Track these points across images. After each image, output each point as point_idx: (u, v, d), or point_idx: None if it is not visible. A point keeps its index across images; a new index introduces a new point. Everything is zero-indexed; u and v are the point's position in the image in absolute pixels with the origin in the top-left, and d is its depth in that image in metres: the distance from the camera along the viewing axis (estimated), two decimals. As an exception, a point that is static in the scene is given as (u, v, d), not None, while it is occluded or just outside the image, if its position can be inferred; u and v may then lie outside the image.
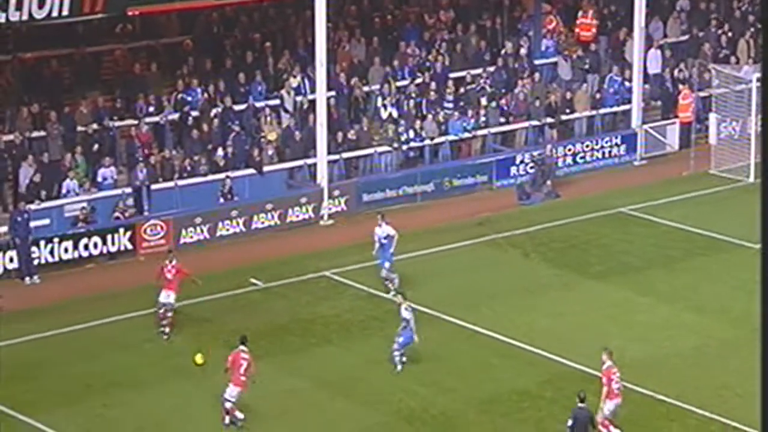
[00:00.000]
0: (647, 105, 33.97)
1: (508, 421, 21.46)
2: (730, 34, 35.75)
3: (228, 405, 21.08)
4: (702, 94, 33.75)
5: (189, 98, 30.76)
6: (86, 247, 27.63)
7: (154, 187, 29.22)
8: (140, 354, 23.75)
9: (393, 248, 25.53)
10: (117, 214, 28.58)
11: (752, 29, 36.00)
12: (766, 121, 7.25)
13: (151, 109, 30.45)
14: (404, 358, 22.73)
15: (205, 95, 30.88)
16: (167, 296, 23.95)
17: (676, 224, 29.12)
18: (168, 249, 24.20)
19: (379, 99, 32.01)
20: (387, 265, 25.48)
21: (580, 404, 19.95)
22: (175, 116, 30.55)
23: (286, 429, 21.50)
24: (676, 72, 34.61)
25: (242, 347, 21.31)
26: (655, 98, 34.44)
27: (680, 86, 33.97)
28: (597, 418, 20.21)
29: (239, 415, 21.13)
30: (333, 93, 31.27)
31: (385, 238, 25.56)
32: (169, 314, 23.95)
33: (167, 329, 23.88)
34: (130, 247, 28.05)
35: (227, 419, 21.13)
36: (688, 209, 29.75)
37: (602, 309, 25.34)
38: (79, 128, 29.50)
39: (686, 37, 35.77)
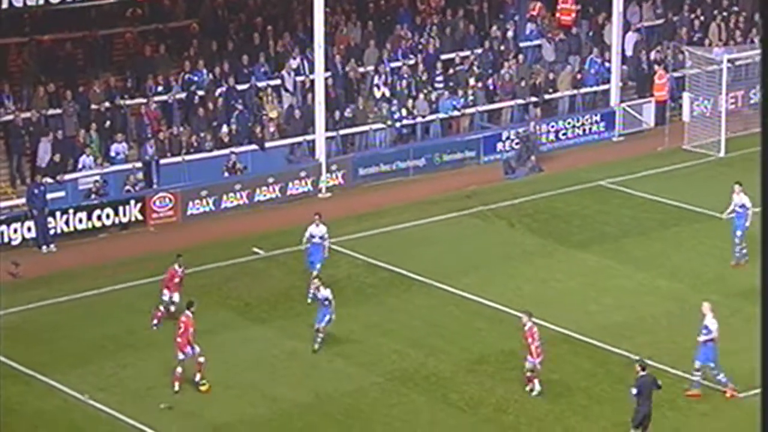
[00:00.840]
0: (625, 85, 33.69)
1: (494, 380, 21.29)
2: (702, 18, 35.46)
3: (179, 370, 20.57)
4: (676, 74, 33.48)
5: (195, 78, 30.50)
6: (99, 218, 27.42)
7: (162, 161, 28.99)
8: (149, 318, 23.50)
9: (327, 251, 23.68)
10: (128, 187, 28.34)
11: (723, 13, 35.68)
12: (765, 120, 6.91)
13: (160, 88, 30.20)
14: (321, 336, 21.73)
15: (211, 76, 30.57)
16: (170, 295, 22.51)
17: (652, 196, 28.91)
18: (177, 254, 22.55)
19: (377, 78, 31.69)
20: (318, 266, 23.46)
21: (642, 372, 19.15)
22: (182, 95, 30.26)
23: (288, 389, 21.33)
24: (653, 53, 34.29)
25: (186, 311, 20.87)
26: (632, 78, 34.15)
27: (656, 67, 33.67)
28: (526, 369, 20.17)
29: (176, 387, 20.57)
30: (330, 74, 30.97)
31: (320, 237, 23.69)
32: (172, 308, 22.38)
33: (155, 321, 22.39)
34: (140, 217, 27.84)
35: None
36: (662, 182, 29.54)
37: (582, 276, 25.14)
38: (93, 106, 29.30)
39: (661, 21, 35.43)
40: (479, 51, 33.34)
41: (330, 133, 30.37)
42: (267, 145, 30.18)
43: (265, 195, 29.21)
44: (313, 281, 22.58)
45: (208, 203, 28.57)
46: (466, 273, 25.20)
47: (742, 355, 21.95)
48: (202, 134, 29.73)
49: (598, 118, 33.04)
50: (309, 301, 23.37)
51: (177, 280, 22.84)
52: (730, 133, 31.56)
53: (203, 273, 25.44)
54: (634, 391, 19.14)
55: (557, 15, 34.61)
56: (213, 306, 23.84)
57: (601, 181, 30.01)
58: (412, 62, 32.55)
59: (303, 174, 29.72)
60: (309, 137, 30.36)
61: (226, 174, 29.35)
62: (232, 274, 25.48)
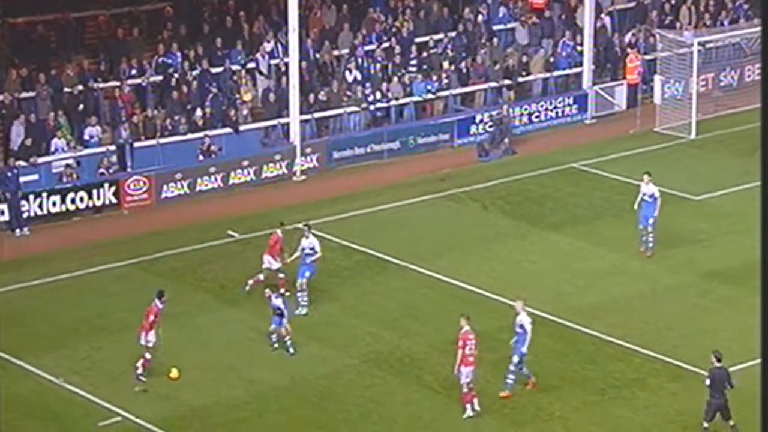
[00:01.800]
0: (597, 68, 33.63)
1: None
2: (673, 1, 35.41)
3: (145, 355, 20.30)
4: (647, 57, 33.44)
5: (169, 61, 30.16)
6: (73, 201, 27.11)
7: (136, 144, 28.71)
8: (123, 301, 23.33)
9: (316, 264, 22.64)
10: (102, 170, 28.04)
11: (694, -3, 35.71)
12: (765, 121, 6.76)
13: (134, 71, 29.85)
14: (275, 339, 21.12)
15: (185, 59, 30.27)
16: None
17: (624, 178, 28.90)
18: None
19: (353, 63, 31.49)
20: (307, 275, 22.51)
21: (717, 363, 18.67)
22: (157, 78, 29.93)
23: (264, 371, 21.19)
24: (626, 37, 34.22)
25: (158, 300, 20.44)
26: (605, 61, 34.08)
27: (628, 50, 33.62)
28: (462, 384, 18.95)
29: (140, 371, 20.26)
30: (305, 57, 30.73)
31: (311, 249, 22.65)
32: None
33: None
34: (114, 201, 27.58)
35: (139, 368, 20.32)
36: (634, 164, 29.52)
37: (555, 257, 25.11)
38: (66, 89, 28.89)
39: (633, 4, 35.37)
40: (453, 34, 33.17)
41: (304, 117, 30.17)
42: (241, 128, 29.93)
43: (239, 178, 29.00)
44: (266, 290, 21.47)
45: (182, 186, 28.33)
46: (440, 255, 25.11)
47: (712, 334, 22.01)
48: (176, 117, 29.45)
49: (570, 101, 32.99)
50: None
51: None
52: (700, 116, 31.61)
53: (178, 256, 25.23)
54: (708, 381, 18.62)
55: (529, -1, 34.53)
56: (188, 289, 23.65)
57: (574, 163, 29.99)
58: (386, 45, 32.35)
59: (278, 157, 29.53)
60: (283, 120, 30.16)
61: (201, 157, 29.09)
62: (207, 256, 25.28)
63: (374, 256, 25.21)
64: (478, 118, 31.78)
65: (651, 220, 24.40)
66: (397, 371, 20.94)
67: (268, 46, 31.20)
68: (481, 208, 27.63)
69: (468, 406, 19.41)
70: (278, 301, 21.40)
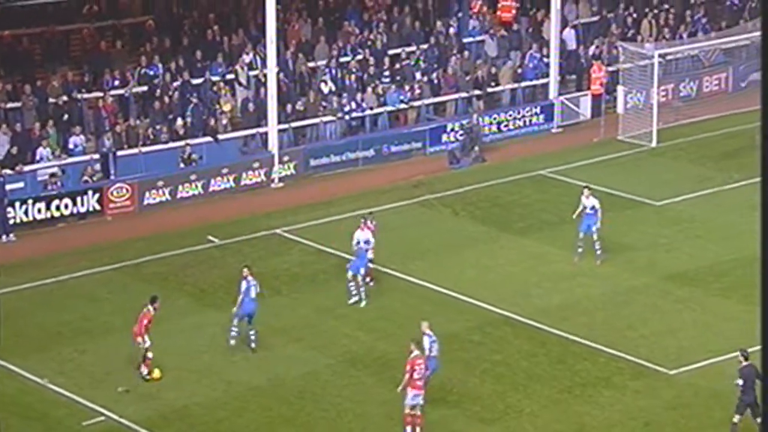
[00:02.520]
0: (563, 78, 33.80)
1: (440, 361, 21.25)
2: (634, 15, 35.66)
3: (146, 356, 20.39)
4: (610, 68, 33.65)
5: (151, 73, 30.10)
6: (58, 208, 26.98)
7: (119, 153, 28.62)
8: (107, 305, 23.24)
9: (371, 255, 22.95)
10: (86, 178, 27.93)
11: (654, 11, 35.95)
12: (765, 121, 6.78)
13: (117, 83, 29.78)
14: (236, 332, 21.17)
15: (166, 70, 30.22)
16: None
17: (588, 185, 28.97)
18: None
19: (327, 76, 31.51)
20: (362, 271, 22.80)
21: (744, 362, 18.42)
22: (139, 89, 29.86)
23: (243, 372, 21.15)
24: (590, 49, 34.40)
25: (151, 305, 20.54)
26: (570, 72, 34.27)
27: (592, 62, 33.80)
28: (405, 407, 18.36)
29: (144, 370, 20.42)
30: (282, 68, 30.77)
31: (365, 242, 22.94)
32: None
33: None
34: (98, 207, 27.47)
35: (143, 369, 20.42)
36: (598, 171, 29.70)
37: (523, 261, 25.21)
38: (51, 100, 28.77)
39: (596, 18, 35.59)
40: (425, 46, 33.27)
41: (282, 126, 30.17)
42: (221, 137, 29.89)
43: (219, 185, 28.94)
44: (243, 270, 21.29)
45: (164, 193, 28.25)
46: (413, 259, 25.16)
47: (672, 334, 22.18)
48: (158, 127, 29.38)
49: (537, 110, 33.13)
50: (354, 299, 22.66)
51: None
52: (661, 124, 31.82)
53: (160, 261, 25.15)
54: (740, 382, 18.36)
55: (498, 12, 34.65)
56: (170, 293, 23.58)
57: (541, 170, 30.11)
58: (360, 57, 32.42)
59: (256, 165, 29.50)
60: (262, 129, 30.14)
61: (182, 165, 29.03)
62: (188, 261, 25.22)
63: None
64: (449, 127, 31.87)
65: (594, 228, 24.38)
66: (372, 371, 20.96)
67: (247, 58, 31.20)
68: (452, 214, 27.70)
69: (408, 428, 18.67)
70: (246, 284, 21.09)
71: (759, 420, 18.44)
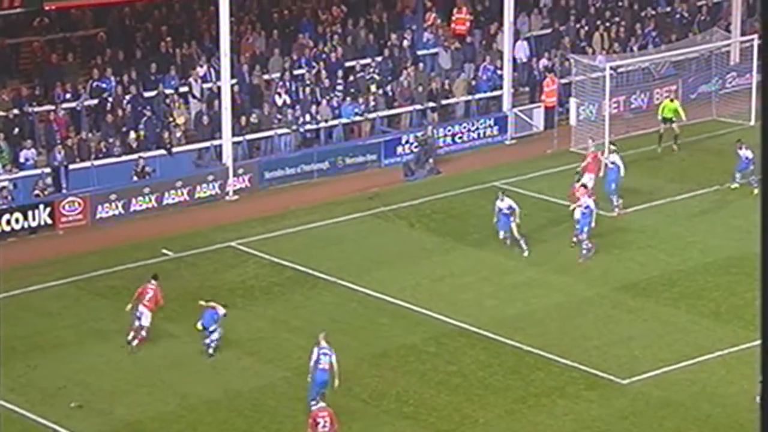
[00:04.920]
0: (516, 91, 34.15)
1: (396, 373, 21.40)
2: (586, 27, 36.12)
3: (144, 330, 21.62)
4: (563, 81, 34.05)
5: (103, 85, 29.97)
6: (8, 222, 26.73)
7: (71, 167, 28.44)
8: (59, 319, 23.09)
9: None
10: (37, 191, 27.71)
11: (606, 23, 36.45)
12: (765, 121, 6.93)
13: (68, 96, 29.60)
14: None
15: (119, 83, 30.10)
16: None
17: (542, 196, 29.37)
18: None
19: (282, 87, 31.57)
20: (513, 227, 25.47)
21: None
22: (91, 102, 29.71)
23: (198, 386, 21.10)
24: (542, 61, 34.78)
25: (152, 281, 21.92)
26: (523, 84, 34.63)
27: (545, 74, 34.18)
28: None
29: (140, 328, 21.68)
30: (236, 81, 30.79)
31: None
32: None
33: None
34: (49, 222, 27.25)
35: (131, 336, 21.64)
36: (552, 182, 30.02)
37: (478, 272, 25.43)
38: (1, 114, 28.54)
39: (549, 30, 36.02)
40: (379, 59, 33.47)
41: (236, 138, 30.17)
42: (175, 150, 29.82)
43: (173, 198, 28.86)
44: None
45: (117, 207, 28.11)
46: (368, 271, 25.27)
47: (624, 343, 22.49)
48: (110, 140, 29.24)
49: (491, 122, 33.42)
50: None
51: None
52: (613, 136, 32.22)
53: (113, 275, 25.03)
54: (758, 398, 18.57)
55: (452, 25, 34.96)
56: (123, 306, 23.43)
57: (495, 182, 30.36)
58: (315, 70, 32.53)
59: (210, 178, 29.46)
60: (216, 142, 30.12)
61: (135, 178, 28.90)
62: (141, 275, 25.09)
63: (305, 273, 25.29)
64: (404, 139, 32.06)
65: (513, 226, 25.67)
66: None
67: (200, 71, 31.17)
68: (407, 226, 27.86)
69: None
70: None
71: None
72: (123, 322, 22.89)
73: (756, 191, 28.35)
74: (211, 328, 21.58)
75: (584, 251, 25.58)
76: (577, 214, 26.10)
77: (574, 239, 25.98)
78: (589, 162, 27.74)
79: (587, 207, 25.35)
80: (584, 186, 26.51)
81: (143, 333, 21.78)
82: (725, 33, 36.05)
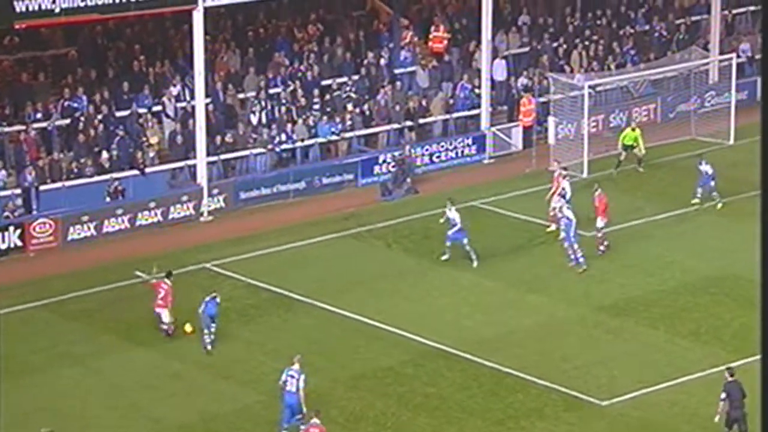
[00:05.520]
0: (494, 109, 34.52)
1: (373, 395, 21.60)
2: (564, 46, 36.61)
3: (163, 326, 22.88)
4: (541, 99, 34.45)
5: (75, 105, 30.10)
6: (-22, 244, 26.75)
7: (42, 187, 28.50)
8: (30, 343, 23.12)
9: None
10: (7, 213, 27.76)
11: (584, 42, 36.96)
12: (765, 121, 7.19)
13: (39, 115, 29.70)
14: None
15: (91, 102, 30.23)
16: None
17: (521, 216, 29.69)
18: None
19: (257, 106, 31.81)
20: (465, 241, 26.11)
21: (730, 378, 19.55)
22: (63, 122, 29.83)
23: (172, 410, 21.21)
24: (520, 80, 35.19)
25: (166, 279, 23.10)
26: (501, 103, 35.03)
27: (523, 93, 34.58)
28: None
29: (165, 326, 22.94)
30: (211, 100, 31.00)
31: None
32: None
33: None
34: (19, 244, 27.30)
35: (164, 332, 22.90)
36: (530, 202, 30.34)
37: (456, 293, 25.68)
38: (-30, 133, 28.55)
39: (527, 49, 36.47)
40: (356, 77, 33.78)
41: (211, 158, 30.35)
42: (148, 170, 29.97)
43: (147, 219, 28.99)
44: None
45: (89, 228, 28.20)
46: (345, 292, 25.48)
47: (604, 364, 22.78)
48: (82, 160, 29.35)
49: (469, 141, 33.76)
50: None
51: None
52: (592, 155, 32.63)
53: (85, 297, 25.11)
54: (723, 395, 19.57)
55: (429, 43, 35.36)
56: (95, 330, 23.56)
57: (474, 201, 30.68)
58: (290, 88, 32.80)
59: (185, 198, 29.62)
60: (190, 162, 30.29)
61: (108, 199, 29.01)
62: (114, 297, 25.20)
63: (281, 294, 25.46)
64: (381, 158, 32.36)
65: (465, 241, 26.27)
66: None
67: (174, 90, 31.36)
68: (384, 246, 28.11)
69: None
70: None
71: None
72: (94, 345, 22.98)
73: (719, 206, 29.00)
74: (213, 319, 22.55)
75: (572, 257, 26.22)
76: (562, 234, 26.64)
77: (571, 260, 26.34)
78: (556, 185, 28.25)
79: (566, 218, 25.80)
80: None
81: (171, 327, 22.96)
82: (704, 52, 36.64)
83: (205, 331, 22.69)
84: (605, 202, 27.60)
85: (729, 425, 19.71)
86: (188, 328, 23.05)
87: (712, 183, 29.20)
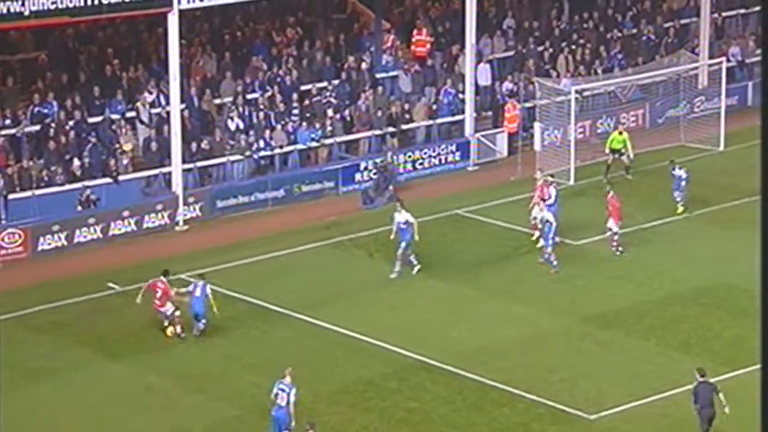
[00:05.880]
0: (479, 115, 34.48)
1: (355, 410, 21.44)
2: (550, 50, 36.62)
3: (177, 318, 23.25)
4: (527, 104, 34.43)
5: (45, 111, 29.88)
6: (-56, 255, 26.46)
7: (11, 196, 28.27)
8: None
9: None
10: (-26, 223, 27.49)
11: (571, 46, 36.98)
12: (765, 121, 7.19)
13: (8, 121, 29.47)
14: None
15: (62, 108, 30.01)
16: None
17: (506, 224, 29.64)
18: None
19: (234, 112, 31.66)
20: (403, 245, 25.83)
21: (700, 379, 19.92)
22: (32, 128, 29.59)
23: (145, 424, 20.99)
24: (505, 85, 35.16)
25: (161, 277, 23.51)
26: (486, 109, 34.99)
27: (508, 99, 34.54)
28: None
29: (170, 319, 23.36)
30: (186, 105, 30.84)
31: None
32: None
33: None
34: (-12, 254, 27.04)
35: (169, 331, 23.40)
36: (515, 210, 30.29)
37: (440, 303, 25.58)
38: (-64, 140, 28.30)
39: (512, 53, 36.46)
40: (336, 82, 33.68)
41: (187, 166, 30.18)
42: (122, 178, 29.76)
43: (120, 229, 28.77)
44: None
45: (60, 238, 27.96)
46: (326, 303, 25.34)
47: (591, 377, 22.69)
48: (53, 168, 29.12)
49: (453, 148, 33.71)
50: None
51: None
52: (579, 162, 32.62)
53: (56, 310, 24.90)
54: (693, 398, 19.92)
55: (412, 47, 35.30)
56: (67, 343, 23.34)
57: (458, 209, 30.62)
58: (269, 93, 32.66)
59: (159, 207, 29.42)
60: (165, 170, 30.10)
61: (79, 208, 28.78)
62: (86, 310, 24.96)
63: (259, 306, 25.29)
64: (362, 165, 32.25)
65: (404, 244, 26.26)
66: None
67: (148, 95, 31.18)
68: (366, 256, 27.98)
69: None
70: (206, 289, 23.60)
71: None
72: (65, 359, 22.72)
73: (680, 209, 29.41)
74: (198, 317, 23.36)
75: (549, 259, 26.40)
76: (541, 241, 26.71)
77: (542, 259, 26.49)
78: (538, 194, 28.18)
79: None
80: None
81: (178, 320, 23.35)
82: (693, 56, 36.71)
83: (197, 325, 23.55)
84: (618, 204, 27.63)
85: (705, 427, 19.88)
86: (170, 331, 23.32)
87: (683, 185, 29.33)
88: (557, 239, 27.31)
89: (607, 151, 32.37)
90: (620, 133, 32.63)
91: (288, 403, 19.74)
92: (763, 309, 7.01)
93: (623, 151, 32.18)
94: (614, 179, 31.78)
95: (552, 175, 29.54)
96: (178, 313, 23.45)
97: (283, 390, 19.85)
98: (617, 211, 27.63)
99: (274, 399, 19.81)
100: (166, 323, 23.57)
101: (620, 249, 27.50)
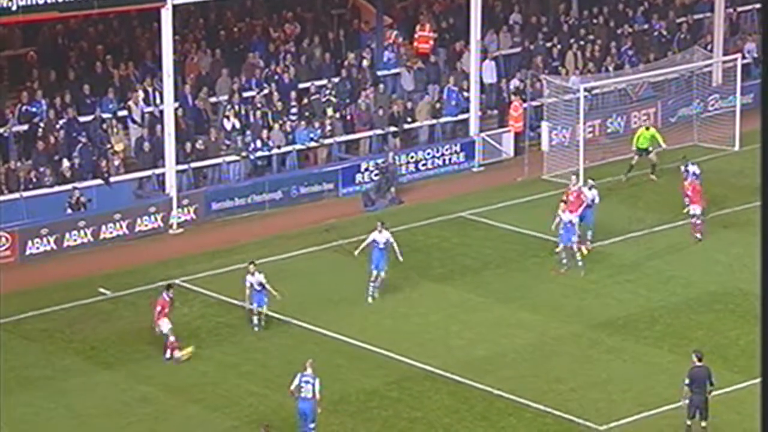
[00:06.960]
0: (484, 114, 34.64)
1: (356, 420, 21.60)
2: (558, 46, 36.78)
3: (167, 341, 23.03)
4: (534, 103, 34.57)
5: (34, 110, 30.05)
6: (-71, 260, 26.63)
7: (-2, 198, 28.43)
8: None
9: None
10: (-39, 226, 27.66)
11: (580, 42, 37.14)
12: (765, 121, 7.39)
13: (-5, 120, 29.66)
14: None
15: (51, 107, 30.17)
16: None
17: (512, 227, 29.79)
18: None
19: (230, 111, 31.82)
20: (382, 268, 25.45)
21: (697, 363, 20.21)
22: (20, 128, 29.76)
23: (138, 436, 21.15)
24: (512, 82, 35.31)
25: (165, 292, 23.45)
26: (491, 107, 35.14)
27: (512, 98, 34.69)
28: None
29: (177, 354, 23.10)
30: (180, 104, 31.00)
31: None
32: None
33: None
34: (-26, 259, 27.21)
35: (167, 354, 23.02)
36: (522, 213, 30.45)
37: (444, 309, 25.72)
38: None
39: (518, 49, 36.63)
40: (336, 80, 33.86)
41: (181, 167, 30.35)
42: (113, 179, 29.94)
43: (111, 232, 28.95)
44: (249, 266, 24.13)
45: (49, 242, 28.14)
46: (325, 309, 25.50)
47: (601, 386, 22.84)
48: (41, 169, 29.30)
49: (457, 148, 33.87)
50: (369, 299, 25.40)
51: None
52: (588, 163, 32.74)
53: (45, 316, 25.05)
54: (687, 381, 20.17)
55: (414, 43, 35.47)
56: (56, 351, 23.49)
57: (462, 212, 30.76)
58: (266, 91, 32.83)
59: (152, 209, 29.60)
60: (158, 171, 30.26)
61: (69, 211, 28.95)
62: (77, 316, 25.14)
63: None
64: (363, 166, 32.42)
65: (385, 267, 25.68)
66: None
67: (141, 93, 31.34)
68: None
69: None
70: (259, 277, 23.83)
71: (704, 424, 20.07)
72: (55, 367, 22.88)
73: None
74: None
75: (564, 261, 26.67)
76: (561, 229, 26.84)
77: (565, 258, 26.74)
78: (572, 200, 27.67)
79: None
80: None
81: (171, 340, 23.08)
82: (706, 52, 36.88)
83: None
84: (699, 187, 27.86)
85: (692, 415, 20.15)
86: (189, 350, 23.24)
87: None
88: (590, 245, 27.21)
89: (634, 148, 32.44)
90: (647, 128, 32.69)
91: (314, 393, 20.05)
92: (763, 309, 7.21)
93: (650, 149, 32.27)
94: (632, 179, 31.91)
95: (593, 178, 29.57)
96: (172, 338, 23.02)
97: (307, 382, 20.22)
98: (698, 194, 27.75)
99: (297, 391, 20.09)
100: (171, 340, 23.16)
101: (698, 236, 27.59)
